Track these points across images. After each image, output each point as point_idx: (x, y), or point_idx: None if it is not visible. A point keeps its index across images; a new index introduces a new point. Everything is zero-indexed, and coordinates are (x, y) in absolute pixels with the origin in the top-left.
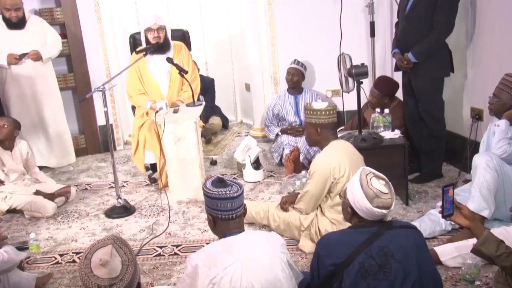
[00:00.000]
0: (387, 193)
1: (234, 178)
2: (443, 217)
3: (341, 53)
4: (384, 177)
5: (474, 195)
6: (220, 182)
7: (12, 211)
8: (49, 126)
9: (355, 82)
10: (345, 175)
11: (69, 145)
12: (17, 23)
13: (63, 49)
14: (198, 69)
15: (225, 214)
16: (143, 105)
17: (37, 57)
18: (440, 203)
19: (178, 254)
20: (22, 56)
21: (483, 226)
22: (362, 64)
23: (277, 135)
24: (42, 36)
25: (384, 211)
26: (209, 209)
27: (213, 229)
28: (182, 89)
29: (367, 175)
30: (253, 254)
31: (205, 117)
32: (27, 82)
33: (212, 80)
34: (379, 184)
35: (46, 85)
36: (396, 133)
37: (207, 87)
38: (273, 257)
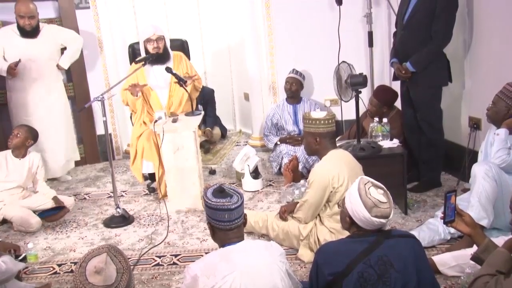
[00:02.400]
0: (385, 202)
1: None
2: (444, 223)
3: (340, 62)
4: (383, 186)
5: (473, 204)
6: (220, 192)
7: (3, 221)
8: (55, 134)
9: (353, 91)
10: (344, 184)
11: (72, 153)
12: (30, 32)
13: None
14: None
15: (222, 224)
16: (134, 98)
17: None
18: (439, 212)
19: (177, 264)
20: (17, 62)
21: (484, 234)
22: (360, 74)
23: (276, 144)
24: (54, 46)
25: (383, 220)
26: (209, 218)
27: (213, 237)
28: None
29: (365, 184)
30: (252, 263)
31: (209, 126)
32: (33, 90)
33: (212, 91)
34: (378, 194)
35: (53, 93)
36: (395, 142)
37: (208, 97)
38: (272, 266)
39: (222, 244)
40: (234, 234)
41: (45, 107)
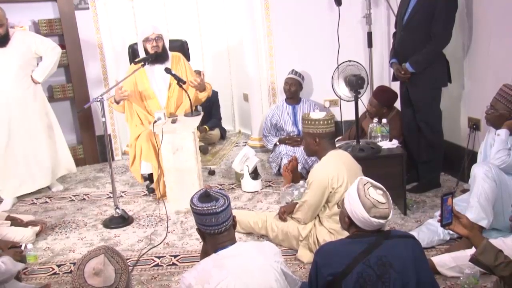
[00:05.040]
0: (384, 203)
1: (232, 188)
2: (442, 226)
3: (345, 61)
4: (382, 187)
5: (473, 205)
6: (206, 196)
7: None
8: (36, 143)
9: (353, 91)
10: (343, 185)
11: (58, 163)
12: None
13: (61, 59)
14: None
15: (211, 229)
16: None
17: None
18: (438, 212)
19: (176, 265)
20: None
21: (482, 236)
22: (355, 75)
23: (275, 145)
24: (26, 54)
25: (382, 221)
26: (197, 223)
27: (204, 243)
28: (182, 101)
29: (364, 185)
30: (245, 267)
31: (212, 127)
32: (5, 101)
33: (217, 93)
34: (377, 194)
35: (29, 102)
36: (394, 143)
37: (214, 99)
38: (266, 267)
39: (214, 250)
40: (224, 237)
41: (20, 117)
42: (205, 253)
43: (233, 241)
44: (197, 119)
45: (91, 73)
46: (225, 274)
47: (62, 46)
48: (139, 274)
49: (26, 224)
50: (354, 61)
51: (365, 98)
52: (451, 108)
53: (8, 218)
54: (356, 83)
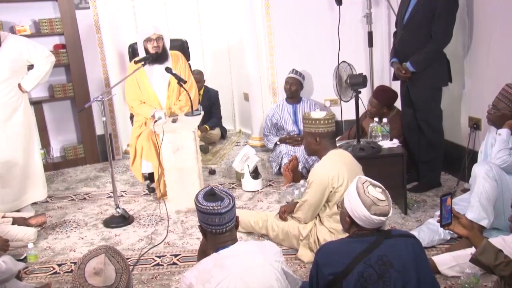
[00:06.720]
0: (384, 200)
1: (232, 187)
2: (441, 226)
3: (340, 61)
4: (380, 185)
5: (473, 204)
6: (211, 195)
7: None
8: (12, 162)
9: (353, 91)
10: (344, 185)
11: (40, 181)
12: None
13: (62, 59)
14: (204, 80)
15: (213, 228)
16: (148, 114)
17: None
18: (438, 213)
19: (177, 264)
20: None
21: (481, 236)
22: (360, 74)
23: (275, 144)
24: (17, 62)
25: (382, 218)
26: (200, 221)
27: (205, 240)
28: (178, 99)
29: (363, 183)
30: (246, 267)
31: (212, 127)
32: None
33: (217, 92)
34: (376, 192)
35: (13, 116)
36: (395, 143)
37: (214, 99)
38: (267, 267)
39: (215, 249)
40: (226, 237)
41: (1, 132)
42: (202, 252)
43: (234, 241)
44: (198, 119)
45: (92, 73)
46: (226, 273)
47: (63, 46)
48: (139, 274)
49: (28, 221)
50: (347, 62)
51: (364, 98)
52: (451, 108)
53: (4, 216)
54: (362, 82)
